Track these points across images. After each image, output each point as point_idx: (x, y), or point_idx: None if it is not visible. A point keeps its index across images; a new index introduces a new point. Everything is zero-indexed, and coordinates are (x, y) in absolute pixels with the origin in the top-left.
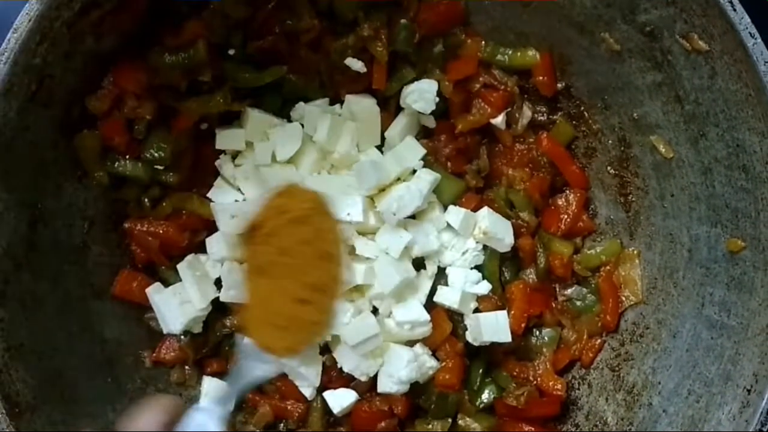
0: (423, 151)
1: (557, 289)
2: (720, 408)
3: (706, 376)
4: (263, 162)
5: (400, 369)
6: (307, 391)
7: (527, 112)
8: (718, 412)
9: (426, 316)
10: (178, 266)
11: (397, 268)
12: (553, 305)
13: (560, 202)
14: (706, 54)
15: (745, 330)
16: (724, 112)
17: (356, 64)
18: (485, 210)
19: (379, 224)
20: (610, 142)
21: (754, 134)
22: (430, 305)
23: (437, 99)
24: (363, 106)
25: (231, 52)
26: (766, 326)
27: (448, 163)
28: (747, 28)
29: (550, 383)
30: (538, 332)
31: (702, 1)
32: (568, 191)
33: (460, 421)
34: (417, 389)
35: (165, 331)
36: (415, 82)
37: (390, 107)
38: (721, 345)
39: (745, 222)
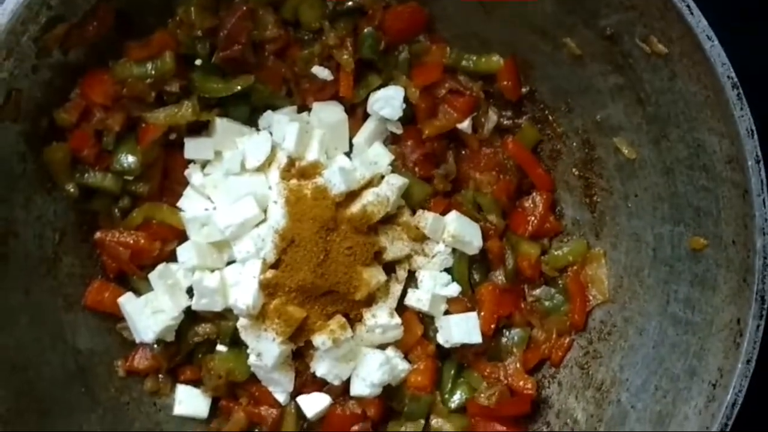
0: (391, 157)
1: (526, 290)
2: (686, 403)
3: (672, 372)
4: (233, 170)
5: (373, 372)
6: (281, 397)
7: (493, 117)
8: (685, 406)
9: (397, 320)
10: (150, 276)
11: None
12: (522, 306)
13: (527, 205)
14: (665, 57)
15: (709, 326)
16: (684, 113)
17: (323, 72)
18: (453, 213)
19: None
20: (574, 144)
21: (713, 135)
22: (401, 308)
23: (404, 105)
24: (330, 113)
25: (198, 62)
26: (730, 322)
27: (416, 168)
28: (704, 30)
29: (521, 382)
30: (507, 332)
31: (660, 5)
32: (534, 194)
33: (432, 422)
34: (390, 392)
35: (138, 341)
36: (382, 89)
37: (357, 114)
38: (687, 341)
39: (707, 220)
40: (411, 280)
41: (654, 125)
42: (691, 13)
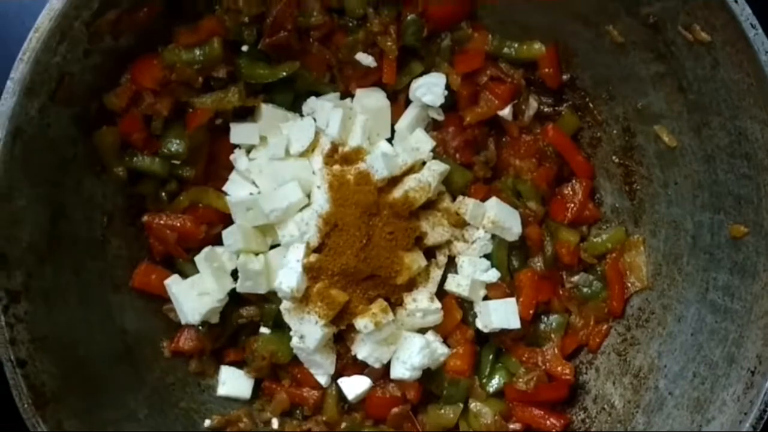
0: (432, 143)
1: (564, 277)
2: (725, 389)
3: (710, 359)
4: (277, 155)
5: (413, 356)
6: (323, 379)
7: (533, 104)
8: (723, 393)
9: (437, 305)
10: (196, 258)
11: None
12: (561, 292)
13: (566, 192)
14: (708, 45)
15: (749, 313)
16: (726, 101)
17: (366, 59)
18: (494, 200)
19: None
20: (614, 132)
21: (755, 123)
22: (440, 293)
23: (446, 92)
24: (373, 99)
25: (244, 48)
26: None
27: (457, 155)
28: (748, 19)
29: (559, 368)
30: (546, 318)
31: None
32: (574, 181)
33: (471, 406)
34: (429, 375)
35: (183, 322)
36: (424, 76)
37: (399, 100)
38: (725, 328)
39: (748, 208)
40: (451, 265)
41: (695, 113)
42: (735, 1)
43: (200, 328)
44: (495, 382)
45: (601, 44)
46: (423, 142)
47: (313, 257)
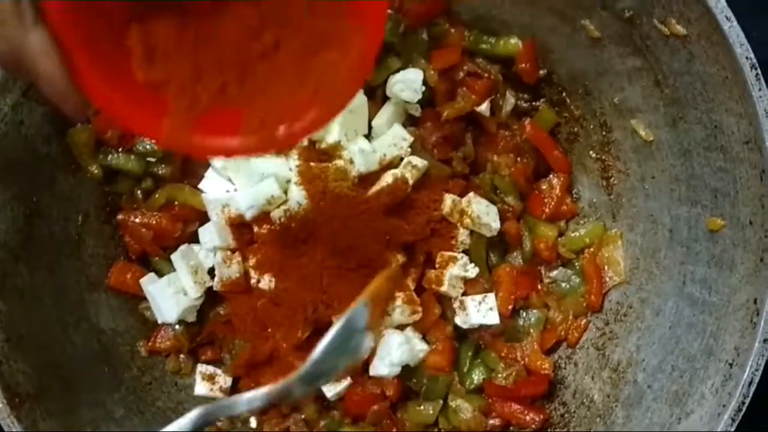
0: (410, 139)
1: (543, 272)
2: (703, 382)
3: (689, 352)
4: None
5: (392, 352)
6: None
7: (511, 99)
8: (702, 386)
9: (416, 301)
10: (172, 256)
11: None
12: (539, 287)
13: (544, 187)
14: (683, 38)
15: (726, 306)
16: (702, 94)
17: None
18: (472, 195)
19: None
20: (591, 126)
21: (731, 115)
22: (419, 290)
23: (423, 88)
24: None
25: None
26: (746, 301)
27: (435, 150)
28: (723, 11)
29: (538, 363)
30: (525, 314)
31: None
32: (551, 176)
33: (450, 403)
34: (408, 372)
35: (160, 321)
36: (401, 72)
37: (377, 97)
38: (703, 321)
39: (724, 201)
40: (429, 261)
41: (671, 107)
42: None
43: (177, 326)
44: (474, 378)
45: (578, 39)
46: (401, 138)
47: None
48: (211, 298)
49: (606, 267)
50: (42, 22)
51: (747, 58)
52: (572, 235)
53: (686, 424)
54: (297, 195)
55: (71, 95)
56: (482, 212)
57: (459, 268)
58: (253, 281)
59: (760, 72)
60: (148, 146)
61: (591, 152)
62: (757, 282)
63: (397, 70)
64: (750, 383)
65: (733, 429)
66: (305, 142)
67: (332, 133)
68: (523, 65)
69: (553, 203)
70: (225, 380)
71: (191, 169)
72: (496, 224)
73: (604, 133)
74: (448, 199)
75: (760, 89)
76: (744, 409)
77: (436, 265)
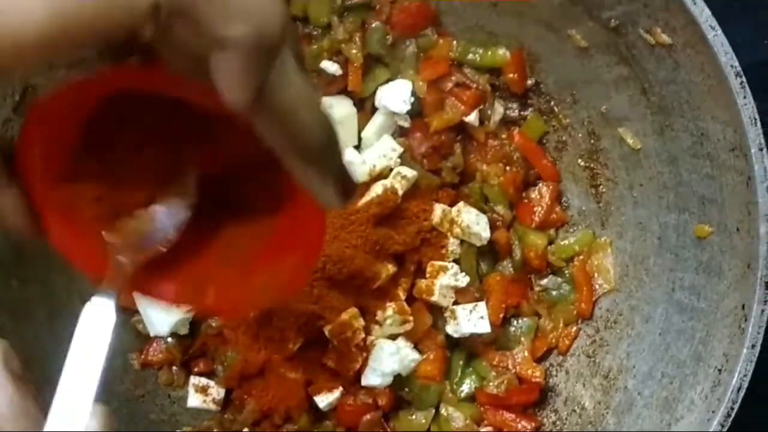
0: (400, 149)
1: (533, 280)
2: (692, 388)
3: (678, 359)
4: None
5: (384, 362)
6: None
7: (499, 109)
8: (691, 392)
9: (407, 311)
10: None
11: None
12: (530, 295)
13: (533, 196)
14: (669, 47)
15: (715, 312)
16: (688, 102)
17: (332, 67)
18: (461, 205)
19: None
20: (579, 135)
21: (717, 123)
22: (410, 299)
23: (412, 98)
24: (340, 107)
25: None
26: (735, 308)
27: (424, 161)
28: (707, 20)
29: (529, 371)
30: (516, 322)
31: None
32: (540, 184)
33: (442, 411)
34: (400, 382)
35: (152, 334)
36: (390, 83)
37: (366, 108)
38: (692, 327)
39: (712, 208)
40: (419, 271)
41: (658, 115)
42: (694, 3)
43: (169, 339)
44: (466, 387)
45: (565, 49)
46: (390, 149)
47: None
48: None
49: (596, 274)
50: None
51: (732, 66)
52: (562, 243)
53: (676, 429)
54: None
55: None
56: (472, 222)
57: (449, 278)
58: None
59: (744, 80)
60: None
61: (579, 161)
62: (745, 288)
63: (386, 82)
64: (739, 389)
65: None
66: None
67: None
68: (512, 75)
69: (542, 212)
70: (218, 392)
71: None
72: (486, 233)
73: (592, 141)
74: (438, 209)
75: (745, 97)
76: (733, 414)
77: (427, 275)
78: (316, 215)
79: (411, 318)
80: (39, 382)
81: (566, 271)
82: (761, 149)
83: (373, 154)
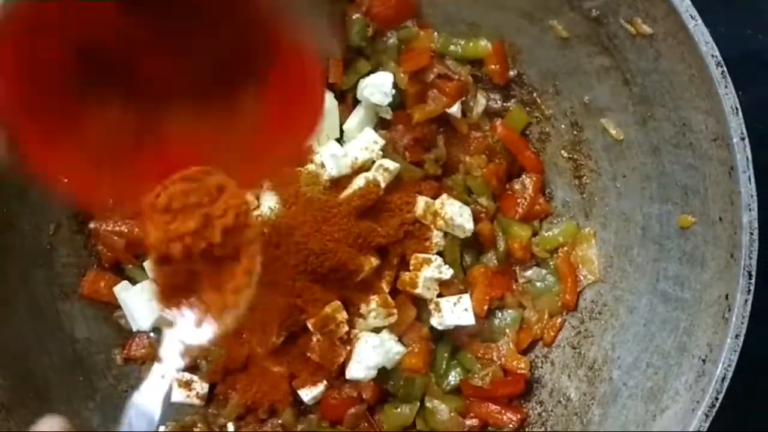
0: (382, 141)
1: (517, 272)
2: (677, 378)
3: (663, 349)
4: None
5: (368, 355)
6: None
7: (481, 101)
8: (676, 382)
9: (391, 303)
10: (145, 264)
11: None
12: (514, 287)
13: (517, 187)
14: (650, 37)
15: (698, 302)
16: (669, 92)
17: None
18: (444, 197)
19: None
20: (562, 126)
21: (698, 113)
22: (394, 292)
23: (393, 91)
24: None
25: None
26: (718, 297)
27: (407, 153)
28: (688, 10)
29: (514, 363)
30: (500, 314)
31: None
32: (524, 176)
33: (427, 404)
34: (384, 375)
35: (134, 329)
36: (371, 75)
37: (347, 100)
38: (677, 318)
39: (694, 198)
40: (403, 263)
41: (640, 105)
42: None
43: (151, 334)
44: (451, 379)
45: (546, 40)
46: (372, 141)
47: None
48: None
49: (580, 266)
50: None
51: (712, 56)
52: (546, 234)
53: (661, 420)
54: (269, 200)
55: None
56: (455, 214)
57: (433, 270)
58: None
59: (725, 69)
60: None
61: (563, 152)
62: (728, 278)
63: (367, 74)
64: (723, 379)
65: (707, 425)
66: None
67: None
68: (493, 66)
69: (526, 203)
70: (201, 386)
71: None
72: (469, 225)
73: (575, 132)
74: (421, 201)
75: (726, 86)
76: (717, 405)
77: (411, 267)
78: (312, 70)
79: (395, 311)
80: (21, 377)
81: (550, 263)
82: (743, 139)
83: (355, 147)
